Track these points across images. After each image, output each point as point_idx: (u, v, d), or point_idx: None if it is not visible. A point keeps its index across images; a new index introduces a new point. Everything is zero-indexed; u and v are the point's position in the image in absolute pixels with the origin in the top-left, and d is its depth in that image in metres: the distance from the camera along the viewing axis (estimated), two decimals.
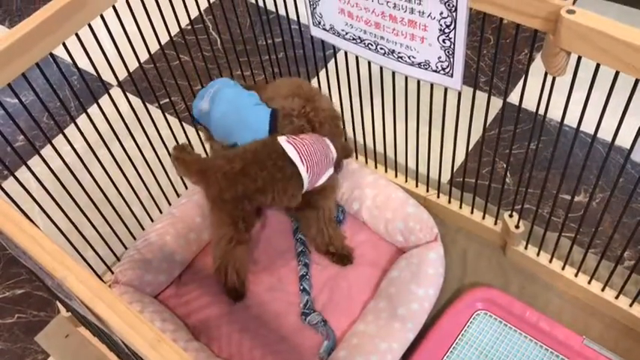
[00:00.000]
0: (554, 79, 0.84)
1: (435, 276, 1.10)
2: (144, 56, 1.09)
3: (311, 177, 1.01)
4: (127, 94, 1.09)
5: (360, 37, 0.94)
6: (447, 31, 0.83)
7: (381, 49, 0.93)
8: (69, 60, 0.96)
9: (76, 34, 0.93)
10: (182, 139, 1.23)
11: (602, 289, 1.07)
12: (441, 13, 0.81)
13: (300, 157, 0.99)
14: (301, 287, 1.16)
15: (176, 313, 1.14)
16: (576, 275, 1.09)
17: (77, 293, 0.61)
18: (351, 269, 1.17)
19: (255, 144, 1.02)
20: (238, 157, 1.00)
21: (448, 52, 0.86)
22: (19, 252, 0.73)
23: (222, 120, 1.09)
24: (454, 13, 0.80)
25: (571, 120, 0.89)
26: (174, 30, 1.09)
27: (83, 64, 0.98)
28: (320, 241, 1.17)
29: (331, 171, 1.05)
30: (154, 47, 1.09)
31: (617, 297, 1.06)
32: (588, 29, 0.72)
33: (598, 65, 0.77)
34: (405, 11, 0.84)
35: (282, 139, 1.00)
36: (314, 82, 1.32)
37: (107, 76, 1.03)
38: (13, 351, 1.18)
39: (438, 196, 1.22)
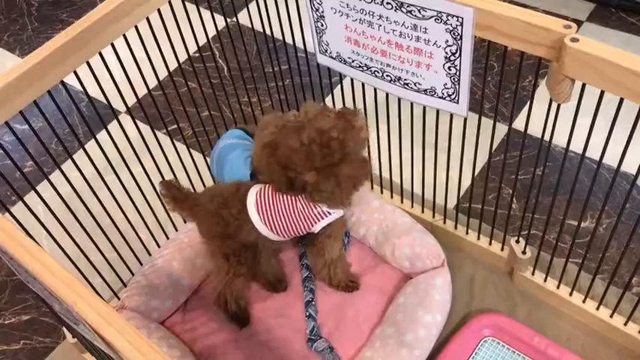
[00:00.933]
0: (559, 105, 0.85)
1: (442, 302, 1.10)
2: (152, 83, 1.11)
3: (271, 227, 1.03)
4: (136, 120, 1.10)
5: (366, 65, 0.96)
6: (452, 58, 0.84)
7: (387, 76, 0.94)
8: (77, 87, 0.97)
9: (87, 63, 0.95)
10: (189, 165, 1.24)
11: (611, 316, 1.06)
12: (447, 41, 0.83)
13: (257, 207, 1.01)
14: (307, 313, 1.15)
15: (182, 339, 1.14)
16: (584, 301, 1.08)
17: (87, 318, 0.61)
18: (357, 295, 1.17)
19: (231, 186, 1.05)
20: (216, 196, 1.04)
21: (454, 79, 0.87)
22: (29, 277, 0.73)
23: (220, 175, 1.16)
24: (459, 41, 0.82)
25: (576, 146, 0.89)
26: (183, 57, 1.11)
27: (92, 91, 0.99)
28: (325, 276, 1.17)
29: (330, 217, 1.04)
30: (163, 74, 1.11)
31: (625, 323, 1.05)
32: (592, 57, 0.73)
33: (602, 92, 0.78)
34: (411, 39, 0.86)
35: (253, 189, 1.03)
36: None
37: (116, 102, 1.05)
38: None
39: (445, 222, 1.22)
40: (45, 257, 0.66)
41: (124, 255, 1.15)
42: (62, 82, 0.94)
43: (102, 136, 1.05)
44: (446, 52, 0.84)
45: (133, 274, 1.19)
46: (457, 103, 0.90)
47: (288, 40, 1.15)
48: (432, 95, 0.91)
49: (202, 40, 1.18)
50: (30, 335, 1.23)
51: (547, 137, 0.93)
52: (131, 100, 1.07)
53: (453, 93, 0.89)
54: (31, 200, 0.99)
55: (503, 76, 0.94)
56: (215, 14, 1.16)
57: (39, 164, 0.98)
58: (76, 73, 0.94)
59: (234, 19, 1.18)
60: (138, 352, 0.58)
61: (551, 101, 0.86)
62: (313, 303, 1.17)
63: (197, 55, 1.19)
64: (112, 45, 0.97)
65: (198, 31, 1.10)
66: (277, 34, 1.15)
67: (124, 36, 0.98)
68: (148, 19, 1.01)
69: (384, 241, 1.20)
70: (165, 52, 1.06)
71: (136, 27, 0.99)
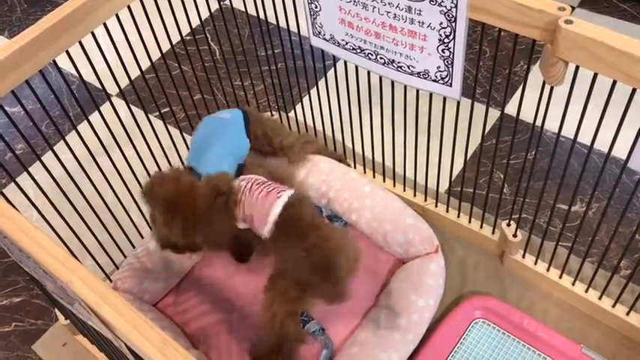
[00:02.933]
0: (551, 89, 0.85)
1: (435, 287, 1.11)
2: (145, 65, 1.10)
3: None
4: (128, 102, 1.10)
5: (360, 47, 0.96)
6: (446, 41, 0.84)
7: (381, 58, 0.94)
8: (69, 69, 0.96)
9: (80, 44, 0.94)
10: (182, 148, 1.24)
11: (600, 298, 1.08)
12: (441, 24, 0.83)
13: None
14: None
15: (174, 321, 1.14)
16: (573, 284, 1.10)
17: (83, 297, 0.62)
18: (351, 279, 1.17)
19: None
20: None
21: (447, 61, 0.87)
22: (22, 257, 0.73)
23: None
24: (453, 24, 0.82)
25: (568, 131, 0.90)
26: (176, 39, 1.10)
27: (84, 72, 0.99)
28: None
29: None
30: (156, 56, 1.10)
31: (613, 305, 1.07)
32: (586, 39, 0.73)
33: (595, 75, 0.79)
34: (405, 21, 0.86)
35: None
36: (313, 92, 1.34)
37: (108, 84, 1.04)
38: (11, 359, 1.18)
39: (436, 206, 1.23)
40: (40, 236, 0.66)
41: (116, 237, 1.15)
42: (54, 63, 0.93)
43: (94, 117, 1.04)
44: (440, 35, 0.84)
45: (125, 257, 1.19)
46: (450, 86, 0.90)
47: (282, 23, 1.15)
48: (426, 78, 0.92)
49: (195, 23, 1.17)
50: (22, 317, 1.23)
51: (539, 122, 0.93)
52: (123, 82, 1.06)
53: (447, 76, 0.89)
54: (22, 182, 0.98)
55: (496, 61, 0.94)
56: None
57: (31, 145, 0.98)
58: (68, 53, 0.93)
59: (227, 1, 1.18)
60: (135, 329, 0.59)
61: (543, 86, 0.86)
62: None
63: (190, 37, 1.18)
64: (105, 26, 0.96)
65: (191, 13, 1.09)
66: (270, 18, 1.15)
67: (117, 17, 0.97)
68: (141, 1, 1.00)
69: (376, 227, 1.20)
70: (158, 34, 1.05)
71: (129, 8, 0.98)
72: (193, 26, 1.15)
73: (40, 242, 0.65)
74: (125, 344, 0.64)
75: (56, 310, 1.18)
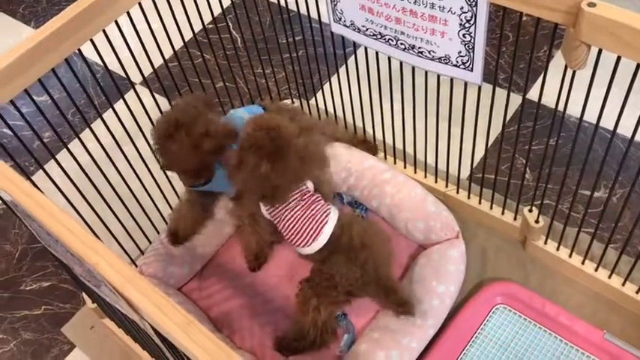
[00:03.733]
0: (573, 73, 0.84)
1: (456, 273, 1.11)
2: (168, 53, 1.12)
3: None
4: (152, 90, 1.12)
5: (380, 33, 0.96)
6: (467, 25, 0.84)
7: (402, 44, 0.94)
8: (93, 58, 0.98)
9: (104, 32, 0.95)
10: None
11: (623, 284, 1.07)
12: (462, 8, 0.83)
13: None
14: None
15: (199, 305, 1.16)
16: (596, 270, 1.09)
17: (109, 279, 0.63)
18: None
19: None
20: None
21: (468, 46, 0.87)
22: (51, 240, 0.75)
23: None
24: (474, 8, 0.81)
25: (590, 116, 0.89)
26: (198, 28, 1.12)
27: (109, 61, 1.01)
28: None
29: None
30: (178, 45, 1.12)
31: (637, 291, 1.06)
32: (609, 21, 0.72)
33: (619, 59, 0.78)
34: (426, 6, 0.86)
35: None
36: (334, 79, 1.34)
37: (132, 73, 1.06)
38: (41, 341, 1.21)
39: (458, 192, 1.23)
40: (68, 220, 0.67)
41: (142, 223, 1.17)
42: (80, 53, 0.95)
43: (118, 106, 1.06)
44: (460, 19, 0.84)
45: (150, 242, 1.22)
46: (471, 71, 0.90)
47: (302, 10, 1.15)
48: (446, 63, 0.91)
49: (217, 11, 1.18)
50: (51, 301, 1.27)
51: (561, 107, 0.93)
52: (147, 71, 1.08)
53: (468, 61, 0.89)
54: (49, 169, 1.01)
55: (517, 46, 0.93)
56: None
57: (58, 133, 1.00)
58: (93, 43, 0.95)
59: None
60: (160, 310, 0.60)
61: (565, 70, 0.85)
62: None
63: (212, 26, 1.19)
64: (129, 15, 0.98)
65: (213, 1, 1.10)
66: (291, 5, 1.15)
67: (140, 6, 0.98)
68: None
69: (397, 214, 1.20)
70: (180, 23, 1.07)
71: None
72: (215, 14, 1.16)
73: (67, 225, 0.67)
74: (150, 325, 0.66)
75: (84, 294, 1.21)
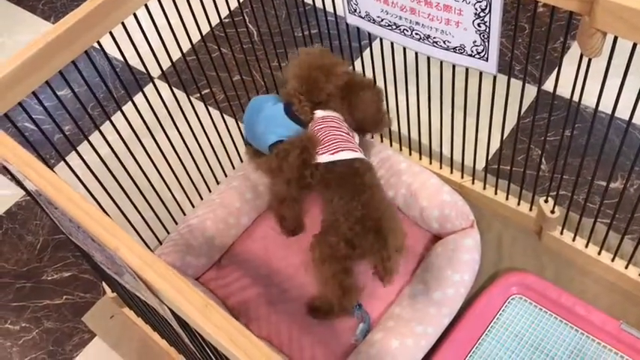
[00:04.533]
0: (589, 62, 0.85)
1: (470, 262, 1.11)
2: (186, 47, 1.13)
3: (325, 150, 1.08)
4: (170, 84, 1.13)
5: (395, 24, 0.96)
6: (482, 15, 0.85)
7: (417, 34, 0.95)
8: (112, 52, 1.00)
9: (123, 25, 0.97)
10: (222, 129, 1.27)
11: None
12: None
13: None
14: None
15: (216, 294, 1.18)
16: (613, 260, 1.09)
17: (129, 263, 0.65)
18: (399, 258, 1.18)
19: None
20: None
21: (483, 36, 0.87)
22: (72, 228, 0.77)
23: (250, 128, 1.18)
24: None
25: (606, 106, 0.89)
26: (215, 22, 1.13)
27: (128, 55, 1.02)
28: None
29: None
30: (196, 39, 1.13)
31: None
32: (625, 8, 0.72)
33: (634, 46, 0.78)
34: None
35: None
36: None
37: (151, 66, 1.08)
38: (62, 330, 1.24)
39: (473, 183, 1.23)
40: (88, 206, 0.69)
41: (160, 214, 1.19)
42: (100, 47, 0.96)
43: (138, 99, 1.08)
44: (475, 9, 0.84)
45: (168, 233, 1.24)
46: (486, 60, 0.90)
47: (318, 3, 1.16)
48: (462, 53, 0.92)
49: (233, 5, 1.19)
50: (71, 291, 1.29)
51: (576, 98, 0.93)
52: (165, 65, 1.09)
53: (483, 50, 0.89)
54: (70, 162, 1.03)
55: (533, 37, 0.93)
56: None
57: (79, 126, 1.02)
58: (113, 37, 0.96)
59: None
60: (179, 293, 0.62)
61: (580, 60, 0.85)
62: None
63: (228, 20, 1.20)
64: (147, 9, 0.99)
65: None
66: None
67: (159, 0, 1.00)
68: None
69: (412, 203, 1.21)
70: (198, 17, 1.08)
71: None
72: (232, 8, 1.17)
73: (88, 212, 0.68)
74: (169, 309, 0.68)
75: (104, 283, 1.24)
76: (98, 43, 0.95)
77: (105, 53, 0.99)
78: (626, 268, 1.08)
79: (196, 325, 0.61)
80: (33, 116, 0.93)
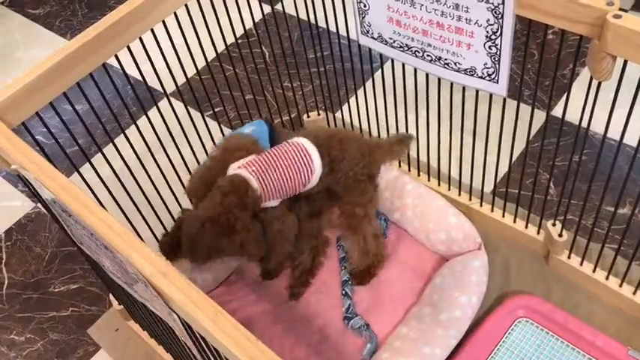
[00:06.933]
0: (598, 86, 0.86)
1: (478, 284, 1.11)
2: (201, 65, 1.16)
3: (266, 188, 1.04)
4: (184, 101, 1.15)
5: (407, 45, 0.98)
6: (493, 37, 0.86)
7: (428, 56, 0.96)
8: (129, 69, 1.02)
9: (141, 41, 0.99)
10: None
11: None
12: (488, 20, 0.85)
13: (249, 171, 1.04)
14: (343, 292, 1.18)
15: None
16: (621, 285, 1.09)
17: (141, 270, 0.66)
18: (393, 275, 1.19)
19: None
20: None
21: (494, 58, 0.89)
22: (84, 236, 0.78)
23: None
24: (500, 20, 0.83)
25: (614, 133, 0.90)
26: (230, 41, 1.15)
27: (144, 70, 1.04)
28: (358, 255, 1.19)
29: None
30: (211, 57, 1.15)
31: None
32: (635, 33, 0.74)
33: None
34: (452, 19, 0.88)
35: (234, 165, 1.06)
36: (360, 93, 1.37)
37: (166, 83, 1.10)
38: (67, 342, 1.24)
39: (481, 205, 1.24)
40: (103, 213, 0.70)
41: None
42: (118, 62, 0.98)
43: (152, 114, 1.10)
44: (487, 31, 0.86)
45: None
46: (497, 83, 0.92)
47: (331, 26, 1.18)
48: (472, 75, 0.93)
49: (248, 25, 1.22)
50: (78, 303, 1.29)
51: (585, 124, 0.93)
52: (180, 81, 1.11)
53: (493, 73, 0.91)
54: (83, 174, 1.04)
55: (542, 63, 0.95)
56: (262, 1, 1.19)
57: (94, 139, 1.03)
58: (131, 53, 0.98)
59: (279, 5, 1.22)
60: (190, 300, 0.62)
61: (589, 87, 0.86)
62: (349, 282, 1.19)
63: (243, 40, 1.23)
64: (165, 27, 1.01)
65: (245, 15, 1.14)
66: (320, 21, 1.19)
67: (176, 18, 1.02)
68: (199, 2, 1.05)
69: (419, 226, 1.21)
70: (214, 36, 1.10)
71: (187, 9, 1.03)
72: (246, 29, 1.20)
73: (102, 217, 0.69)
74: (179, 317, 0.68)
75: (111, 296, 1.24)
76: (116, 57, 0.98)
77: (122, 68, 1.01)
78: (634, 294, 1.07)
79: (206, 333, 0.61)
80: (49, 128, 0.94)
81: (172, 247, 1.04)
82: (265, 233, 1.05)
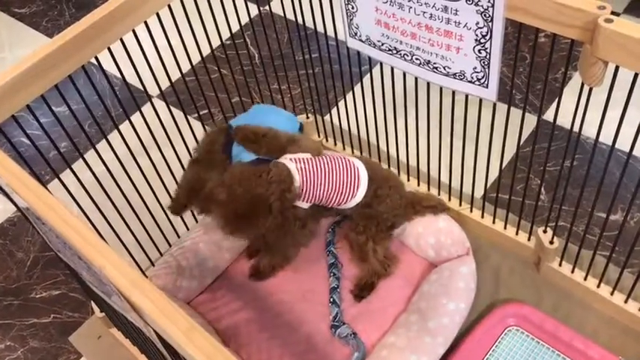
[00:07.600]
0: (590, 92, 0.84)
1: (466, 290, 1.09)
2: (186, 68, 1.13)
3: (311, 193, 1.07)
4: (169, 103, 1.13)
5: (395, 48, 0.96)
6: (482, 41, 0.84)
7: (417, 59, 0.94)
8: (111, 70, 1.00)
9: (122, 43, 0.96)
10: None
11: (639, 309, 1.04)
12: (477, 23, 0.82)
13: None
14: (331, 299, 1.16)
15: (207, 317, 1.15)
16: (612, 294, 1.07)
17: (114, 282, 0.63)
18: (383, 283, 1.17)
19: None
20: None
21: (484, 62, 0.86)
22: (60, 244, 0.75)
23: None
24: (490, 24, 0.81)
25: (607, 137, 0.88)
26: (216, 43, 1.13)
27: (127, 74, 1.02)
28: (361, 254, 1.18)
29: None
30: (196, 60, 1.13)
31: None
32: (627, 38, 0.72)
33: (636, 76, 0.77)
34: (441, 22, 0.86)
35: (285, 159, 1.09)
36: (349, 96, 1.35)
37: (150, 86, 1.07)
38: (48, 350, 1.21)
39: (471, 211, 1.22)
40: (76, 222, 0.67)
41: (153, 235, 1.17)
42: (99, 64, 0.96)
43: (135, 118, 1.07)
44: (476, 35, 0.84)
45: (161, 254, 1.22)
46: (486, 87, 0.90)
47: (320, 28, 1.16)
48: (462, 79, 0.91)
49: (235, 27, 1.19)
50: (60, 310, 1.27)
51: (576, 128, 0.92)
52: (164, 84, 1.09)
53: (483, 77, 0.89)
54: (64, 179, 1.01)
55: (533, 66, 0.93)
56: (249, 2, 1.17)
57: (75, 144, 1.01)
58: (112, 55, 0.96)
59: (267, 7, 1.20)
60: (163, 314, 0.60)
61: (581, 92, 0.85)
62: (338, 290, 1.17)
63: (229, 42, 1.20)
64: (148, 28, 0.99)
65: (231, 17, 1.12)
66: (309, 23, 1.16)
67: (159, 19, 0.99)
68: (182, 4, 1.03)
69: (409, 230, 1.20)
70: (199, 39, 1.08)
71: (171, 11, 1.01)
72: (233, 31, 1.17)
73: (76, 228, 0.67)
74: (154, 331, 0.66)
75: (92, 303, 1.21)
76: (96, 59, 0.95)
77: (103, 71, 0.99)
78: (626, 302, 1.06)
79: (180, 348, 0.59)
80: (28, 132, 0.92)
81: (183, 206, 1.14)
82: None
